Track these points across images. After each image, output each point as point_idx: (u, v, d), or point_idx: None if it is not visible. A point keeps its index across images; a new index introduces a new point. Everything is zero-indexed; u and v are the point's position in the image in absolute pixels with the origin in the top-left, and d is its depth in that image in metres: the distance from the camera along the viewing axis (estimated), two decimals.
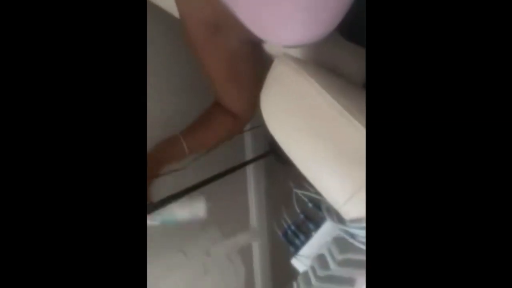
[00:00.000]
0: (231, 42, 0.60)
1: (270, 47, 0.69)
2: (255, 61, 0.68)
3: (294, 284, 0.64)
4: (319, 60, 0.62)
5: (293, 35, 0.53)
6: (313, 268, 0.61)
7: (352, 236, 0.51)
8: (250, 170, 1.59)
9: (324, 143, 0.48)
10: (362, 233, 0.49)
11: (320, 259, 0.60)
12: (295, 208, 0.94)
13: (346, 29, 0.55)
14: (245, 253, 1.45)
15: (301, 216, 0.94)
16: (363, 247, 0.50)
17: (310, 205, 0.89)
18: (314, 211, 0.89)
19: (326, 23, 0.53)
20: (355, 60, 0.60)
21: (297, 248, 0.92)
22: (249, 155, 1.54)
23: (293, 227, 0.96)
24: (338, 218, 0.54)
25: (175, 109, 1.13)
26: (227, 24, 0.56)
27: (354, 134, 0.45)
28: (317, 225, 0.85)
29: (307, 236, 0.90)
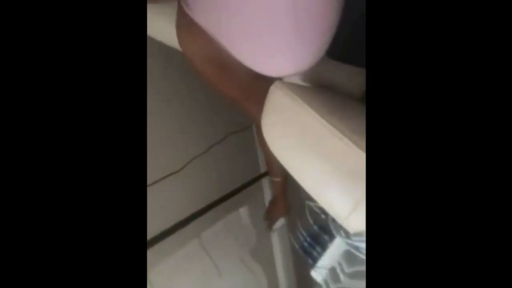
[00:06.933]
0: (240, 72, 0.60)
1: None
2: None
3: None
4: (313, 80, 0.65)
5: (282, 67, 0.55)
6: (326, 282, 0.62)
7: (357, 249, 0.52)
8: (266, 182, 1.61)
9: (320, 162, 0.50)
10: (365, 246, 0.51)
11: (332, 272, 0.61)
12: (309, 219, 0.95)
13: (332, 49, 0.58)
14: (269, 267, 1.47)
15: (315, 227, 0.95)
16: None
17: (323, 216, 0.90)
18: (327, 222, 0.90)
19: (313, 54, 0.56)
20: (346, 77, 0.62)
21: (314, 260, 0.93)
22: (263, 168, 1.57)
23: (309, 239, 0.97)
24: (344, 232, 0.56)
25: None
26: (231, 59, 0.57)
27: (347, 152, 0.47)
28: (332, 236, 0.86)
29: (324, 247, 0.91)
